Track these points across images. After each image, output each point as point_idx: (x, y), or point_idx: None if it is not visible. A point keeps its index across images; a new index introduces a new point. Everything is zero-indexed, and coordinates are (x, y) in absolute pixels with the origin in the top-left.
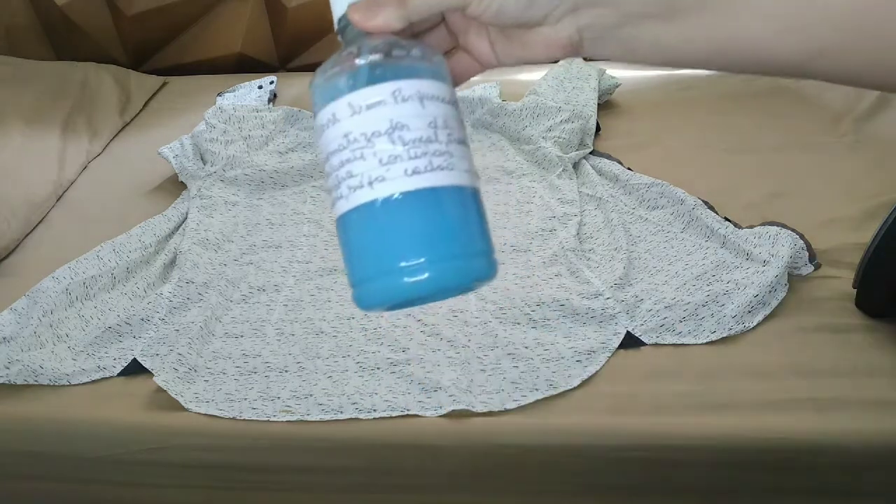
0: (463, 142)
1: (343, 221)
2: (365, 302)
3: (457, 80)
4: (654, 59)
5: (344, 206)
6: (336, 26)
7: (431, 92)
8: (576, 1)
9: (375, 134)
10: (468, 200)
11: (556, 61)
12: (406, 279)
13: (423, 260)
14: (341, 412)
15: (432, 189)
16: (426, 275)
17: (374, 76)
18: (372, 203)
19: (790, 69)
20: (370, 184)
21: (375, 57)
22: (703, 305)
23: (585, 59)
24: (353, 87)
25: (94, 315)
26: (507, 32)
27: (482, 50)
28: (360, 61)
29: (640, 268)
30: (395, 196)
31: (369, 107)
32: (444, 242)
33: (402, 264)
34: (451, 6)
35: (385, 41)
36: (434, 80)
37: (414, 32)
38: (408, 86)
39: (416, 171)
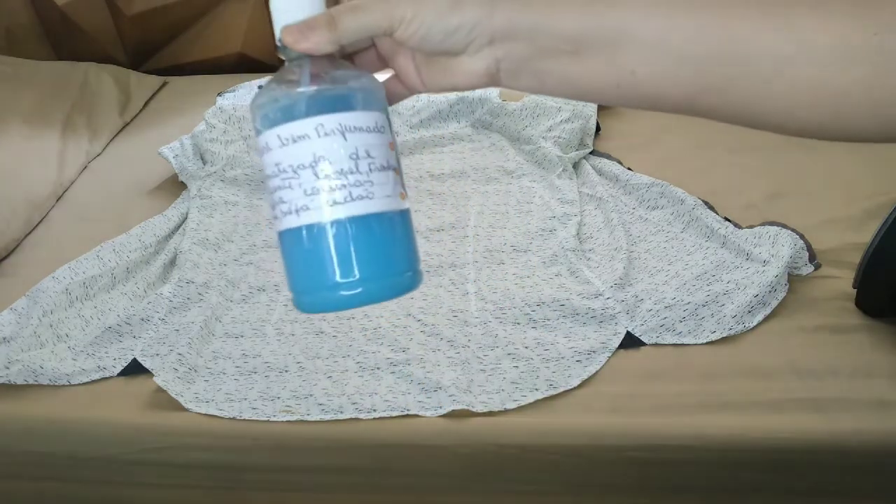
0: (386, 167)
1: (280, 238)
2: (305, 308)
3: (388, 101)
4: (562, 91)
5: (278, 226)
6: (278, 45)
7: (354, 123)
8: (492, 35)
9: (301, 166)
10: (392, 224)
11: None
12: (342, 293)
13: (356, 278)
14: (341, 412)
15: (353, 218)
16: (360, 290)
17: (300, 110)
18: (299, 229)
19: (681, 105)
20: (297, 212)
21: (303, 90)
22: (703, 305)
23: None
24: (281, 121)
25: (94, 315)
26: (432, 59)
27: (409, 75)
28: (287, 95)
29: (640, 268)
30: (320, 224)
31: (295, 140)
32: (370, 264)
33: (339, 280)
34: (378, 31)
35: (320, 63)
36: (362, 110)
37: (345, 54)
38: (330, 120)
39: (335, 202)
